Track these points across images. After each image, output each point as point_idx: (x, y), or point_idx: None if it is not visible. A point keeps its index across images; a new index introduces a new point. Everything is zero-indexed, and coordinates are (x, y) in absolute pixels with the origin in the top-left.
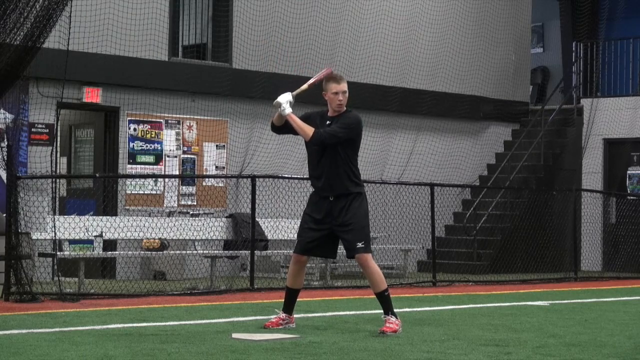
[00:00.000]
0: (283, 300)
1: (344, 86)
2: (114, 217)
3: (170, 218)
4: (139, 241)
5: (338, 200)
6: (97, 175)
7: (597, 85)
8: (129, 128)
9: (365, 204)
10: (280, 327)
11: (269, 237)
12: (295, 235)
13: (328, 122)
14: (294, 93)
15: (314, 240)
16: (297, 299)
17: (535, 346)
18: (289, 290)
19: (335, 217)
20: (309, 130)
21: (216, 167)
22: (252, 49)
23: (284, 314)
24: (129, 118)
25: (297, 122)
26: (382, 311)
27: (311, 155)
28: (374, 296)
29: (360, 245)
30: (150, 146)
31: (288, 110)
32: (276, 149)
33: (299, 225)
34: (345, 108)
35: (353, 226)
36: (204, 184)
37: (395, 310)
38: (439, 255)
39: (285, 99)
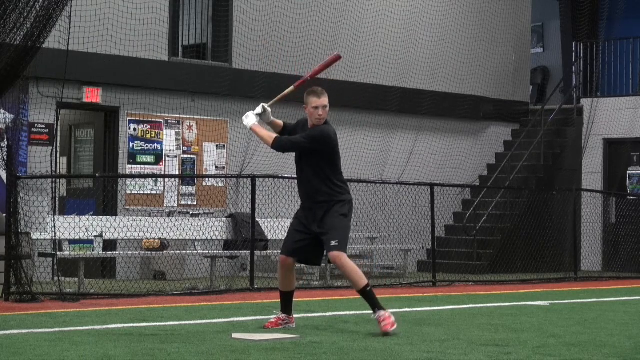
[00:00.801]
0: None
1: (324, 100)
2: (114, 217)
3: (170, 218)
4: (139, 241)
5: (321, 208)
6: (97, 175)
7: (597, 85)
8: (129, 128)
9: (347, 208)
10: (280, 327)
11: (269, 237)
12: None
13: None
14: (271, 102)
15: (299, 242)
16: (297, 299)
17: (535, 346)
18: (282, 293)
19: (318, 223)
20: (269, 138)
21: (216, 167)
22: (252, 49)
23: (283, 315)
24: (129, 118)
25: (258, 132)
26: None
27: (295, 166)
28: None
29: (334, 243)
30: (150, 146)
31: (250, 122)
32: None
33: None
34: (324, 122)
35: (330, 226)
36: (204, 184)
37: (395, 310)
38: (439, 255)
39: (247, 114)
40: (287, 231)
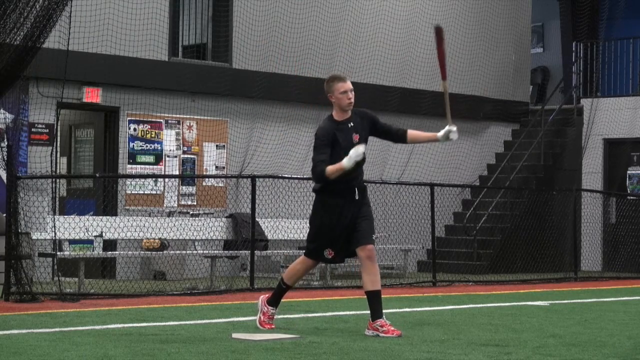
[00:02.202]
0: (276, 295)
1: (350, 83)
2: (114, 217)
3: (170, 218)
4: (139, 241)
5: None
6: (97, 175)
7: (597, 85)
8: (129, 128)
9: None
10: (272, 319)
11: (269, 237)
12: (295, 235)
13: (351, 124)
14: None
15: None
16: (297, 299)
17: (535, 346)
18: (289, 287)
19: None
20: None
21: (216, 167)
22: (252, 49)
23: (272, 308)
24: (129, 118)
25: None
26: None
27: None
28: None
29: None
30: (150, 146)
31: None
32: (276, 149)
33: (299, 225)
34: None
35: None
36: (204, 184)
37: (395, 310)
38: (439, 255)
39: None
40: (287, 230)
